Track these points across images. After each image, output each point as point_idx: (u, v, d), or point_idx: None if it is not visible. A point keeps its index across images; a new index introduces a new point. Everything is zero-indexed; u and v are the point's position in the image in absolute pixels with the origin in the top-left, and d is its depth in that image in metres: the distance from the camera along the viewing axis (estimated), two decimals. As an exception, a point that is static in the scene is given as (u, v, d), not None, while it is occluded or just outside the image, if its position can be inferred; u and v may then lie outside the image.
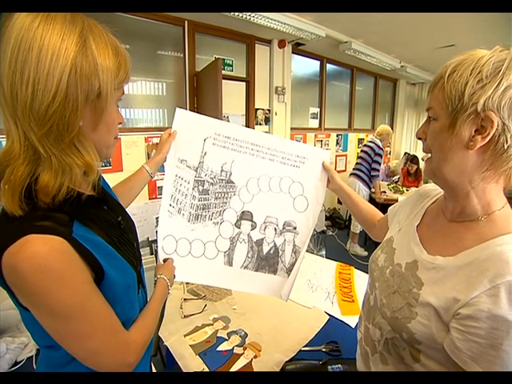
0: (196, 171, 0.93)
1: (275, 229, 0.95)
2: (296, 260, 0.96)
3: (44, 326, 0.48)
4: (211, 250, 0.95)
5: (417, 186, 3.93)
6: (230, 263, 0.95)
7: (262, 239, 0.96)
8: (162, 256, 0.93)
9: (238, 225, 0.95)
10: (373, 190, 3.68)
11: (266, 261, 0.96)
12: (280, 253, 0.96)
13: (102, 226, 0.56)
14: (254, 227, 0.95)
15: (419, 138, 0.62)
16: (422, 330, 0.54)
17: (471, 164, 0.52)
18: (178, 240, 0.94)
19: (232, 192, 0.94)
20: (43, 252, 0.43)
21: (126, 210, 0.75)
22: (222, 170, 0.93)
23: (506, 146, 0.49)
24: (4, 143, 0.49)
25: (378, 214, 0.94)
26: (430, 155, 0.60)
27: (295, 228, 0.96)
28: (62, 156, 0.47)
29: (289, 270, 0.96)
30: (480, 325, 0.46)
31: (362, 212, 0.95)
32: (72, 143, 0.48)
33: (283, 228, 0.96)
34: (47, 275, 0.44)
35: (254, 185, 0.94)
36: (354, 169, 3.78)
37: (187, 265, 0.94)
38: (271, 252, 0.96)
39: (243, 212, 0.95)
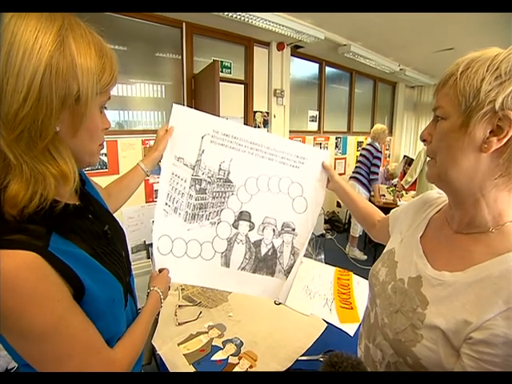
0: (193, 169, 0.90)
1: (274, 230, 0.93)
2: (294, 262, 0.93)
3: (15, 349, 0.44)
4: (208, 250, 0.92)
5: (414, 190, 3.91)
6: (227, 264, 0.93)
7: (260, 240, 0.93)
8: (157, 256, 0.90)
9: (235, 225, 0.92)
10: (372, 193, 3.66)
11: (264, 262, 0.93)
12: (278, 254, 0.94)
13: (85, 238, 0.52)
14: (252, 228, 0.93)
15: (424, 141, 0.57)
16: (429, 355, 0.49)
17: (483, 168, 0.48)
18: (173, 240, 0.91)
19: (230, 191, 0.91)
20: (12, 269, 0.39)
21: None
22: (219, 169, 0.91)
23: None
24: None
25: (378, 213, 0.92)
26: (431, 158, 0.56)
27: (294, 229, 0.93)
28: (35, 164, 0.43)
29: (287, 272, 0.94)
30: (495, 351, 0.42)
31: (361, 211, 0.93)
32: (46, 150, 0.44)
33: (282, 229, 0.93)
34: (16, 294, 0.40)
35: (253, 184, 0.92)
36: (353, 172, 3.76)
37: (183, 266, 0.91)
38: (269, 253, 0.93)
39: (241, 212, 0.92)
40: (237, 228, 0.93)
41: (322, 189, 0.94)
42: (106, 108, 0.55)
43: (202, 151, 0.90)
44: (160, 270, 0.87)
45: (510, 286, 0.43)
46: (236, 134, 0.90)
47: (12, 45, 0.39)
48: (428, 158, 0.57)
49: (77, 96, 0.45)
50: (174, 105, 0.90)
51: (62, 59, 0.42)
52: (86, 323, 0.48)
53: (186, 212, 0.91)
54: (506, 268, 0.45)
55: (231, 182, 0.91)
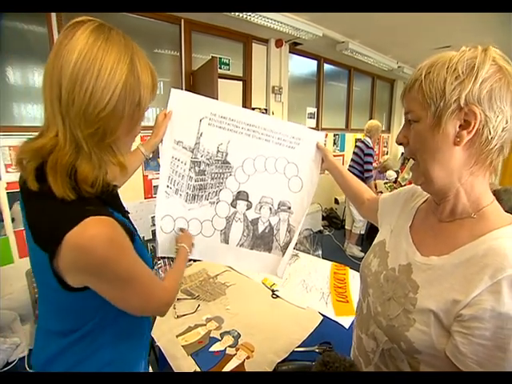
0: (192, 152, 0.93)
1: (270, 208, 0.97)
2: (291, 239, 0.97)
3: (102, 293, 0.57)
4: (208, 228, 0.96)
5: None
6: (226, 241, 0.97)
7: (258, 218, 0.97)
8: (160, 235, 0.94)
9: (233, 204, 0.96)
10: (368, 189, 3.64)
11: (262, 239, 0.97)
12: (275, 232, 0.97)
13: (122, 212, 0.67)
14: (249, 207, 0.96)
15: (400, 144, 0.61)
16: (422, 338, 0.51)
17: (459, 160, 0.52)
18: (175, 219, 0.95)
19: (228, 172, 0.95)
20: (105, 229, 0.53)
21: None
22: (218, 151, 0.94)
23: (489, 137, 0.49)
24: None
25: (369, 191, 0.94)
26: (413, 162, 0.59)
27: (290, 208, 0.97)
28: (102, 154, 0.57)
29: (283, 249, 0.97)
30: (484, 325, 0.44)
31: (351, 189, 0.95)
32: (109, 145, 0.58)
33: (278, 208, 0.97)
34: (113, 247, 0.53)
35: (250, 165, 0.95)
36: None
37: None
38: (266, 231, 0.97)
39: (239, 192, 0.96)
40: (235, 207, 0.96)
41: (317, 168, 0.96)
42: None
43: (201, 134, 0.93)
44: (182, 230, 0.96)
45: (494, 262, 0.46)
46: (233, 116, 0.93)
47: (102, 66, 0.53)
48: (412, 162, 0.60)
49: (138, 106, 0.59)
50: (172, 89, 0.93)
51: (132, 77, 0.57)
52: (143, 263, 0.63)
53: (187, 193, 0.95)
54: (488, 247, 0.48)
55: (229, 164, 0.94)
